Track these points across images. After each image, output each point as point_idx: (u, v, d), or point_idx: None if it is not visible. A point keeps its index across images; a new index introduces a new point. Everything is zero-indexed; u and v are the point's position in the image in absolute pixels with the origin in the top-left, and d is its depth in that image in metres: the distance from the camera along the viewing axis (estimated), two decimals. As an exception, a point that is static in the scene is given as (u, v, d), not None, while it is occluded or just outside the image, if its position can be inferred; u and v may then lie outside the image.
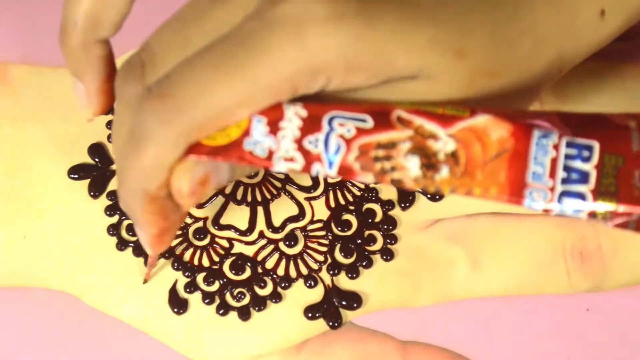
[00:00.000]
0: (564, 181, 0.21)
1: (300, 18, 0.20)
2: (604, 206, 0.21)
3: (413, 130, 0.21)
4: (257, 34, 0.20)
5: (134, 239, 0.30)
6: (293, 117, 0.21)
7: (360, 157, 0.21)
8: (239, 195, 0.31)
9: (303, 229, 0.30)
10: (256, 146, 0.21)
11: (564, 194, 0.21)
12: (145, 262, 0.29)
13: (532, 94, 0.23)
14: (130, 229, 0.30)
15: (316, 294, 0.29)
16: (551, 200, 0.21)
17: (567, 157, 0.21)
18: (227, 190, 0.31)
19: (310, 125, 0.21)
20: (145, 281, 0.29)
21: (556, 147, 0.21)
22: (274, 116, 0.21)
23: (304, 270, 0.30)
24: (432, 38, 0.20)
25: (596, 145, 0.21)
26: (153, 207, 0.22)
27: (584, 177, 0.21)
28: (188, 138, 0.21)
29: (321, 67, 0.20)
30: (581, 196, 0.21)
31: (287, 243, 0.30)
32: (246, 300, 0.29)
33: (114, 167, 0.31)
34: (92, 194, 0.30)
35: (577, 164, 0.21)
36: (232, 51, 0.20)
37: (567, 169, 0.21)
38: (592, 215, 0.21)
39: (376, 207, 0.30)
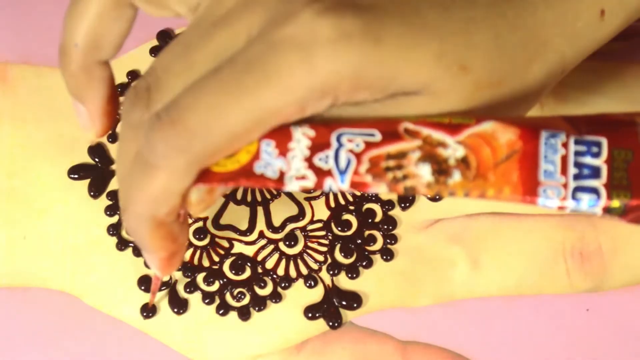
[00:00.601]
0: (576, 177, 0.21)
1: (306, 40, 0.20)
2: (618, 199, 0.21)
3: (421, 140, 0.21)
4: (264, 58, 0.20)
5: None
6: (301, 138, 0.21)
7: (372, 168, 0.21)
8: (239, 195, 0.31)
9: (303, 229, 0.30)
10: (267, 169, 0.21)
11: (578, 189, 0.21)
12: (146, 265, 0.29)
13: (534, 98, 0.23)
14: (130, 229, 0.30)
15: (316, 294, 0.29)
16: (565, 197, 0.21)
17: (577, 153, 0.21)
18: (227, 191, 0.31)
19: (319, 144, 0.21)
20: (149, 305, 0.29)
21: (565, 145, 0.21)
22: (282, 138, 0.21)
23: (304, 270, 0.30)
24: (436, 53, 0.20)
25: (604, 141, 0.21)
26: (161, 232, 0.22)
27: (595, 172, 0.21)
28: (200, 165, 0.21)
29: (329, 88, 0.20)
30: (595, 191, 0.21)
31: (287, 243, 0.30)
32: (246, 300, 0.29)
33: (114, 167, 0.31)
34: (92, 194, 0.30)
35: (587, 159, 0.21)
36: (240, 76, 0.20)
37: (577, 165, 0.21)
38: (607, 210, 0.21)
39: (376, 207, 0.30)
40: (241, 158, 0.21)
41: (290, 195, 0.30)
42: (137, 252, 0.30)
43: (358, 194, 0.30)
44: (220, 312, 0.29)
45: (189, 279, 0.29)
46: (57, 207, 0.30)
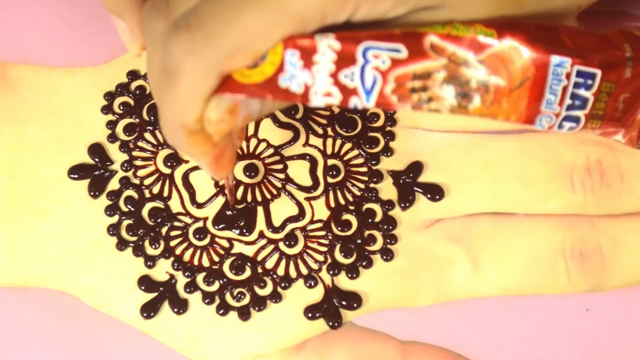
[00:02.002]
0: (569, 107, 0.22)
1: None
2: (590, 127, 0.23)
3: (446, 58, 0.21)
4: None
5: (133, 239, 0.30)
6: (326, 50, 0.21)
7: (397, 89, 0.21)
8: (238, 195, 0.31)
9: (303, 229, 0.30)
10: (292, 82, 0.21)
11: (565, 118, 0.22)
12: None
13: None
14: (130, 229, 0.30)
15: (316, 294, 0.29)
16: (552, 126, 0.22)
17: (575, 85, 0.22)
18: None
19: (344, 58, 0.21)
20: (232, 206, 0.30)
21: (568, 75, 0.22)
22: (306, 50, 0.21)
23: (304, 270, 0.30)
24: None
25: (599, 74, 0.22)
26: (196, 139, 0.22)
27: (583, 104, 0.22)
28: (219, 68, 0.21)
29: None
30: (576, 120, 0.23)
31: (287, 243, 0.30)
32: (246, 300, 0.29)
33: (113, 167, 0.31)
34: (92, 194, 0.30)
35: (582, 91, 0.22)
36: None
37: (573, 96, 0.22)
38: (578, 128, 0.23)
39: (376, 207, 0.30)
40: (266, 69, 0.21)
41: (290, 195, 0.30)
42: (137, 252, 0.30)
43: (358, 193, 0.30)
44: (220, 312, 0.29)
45: (189, 279, 0.29)
46: (57, 207, 0.30)
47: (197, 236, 0.30)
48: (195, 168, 0.31)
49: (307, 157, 0.31)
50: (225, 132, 0.23)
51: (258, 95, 0.21)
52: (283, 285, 0.29)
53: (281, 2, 0.20)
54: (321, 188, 0.31)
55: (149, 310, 0.29)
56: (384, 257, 0.30)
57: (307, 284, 0.29)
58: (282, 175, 0.31)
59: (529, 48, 0.21)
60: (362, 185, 0.31)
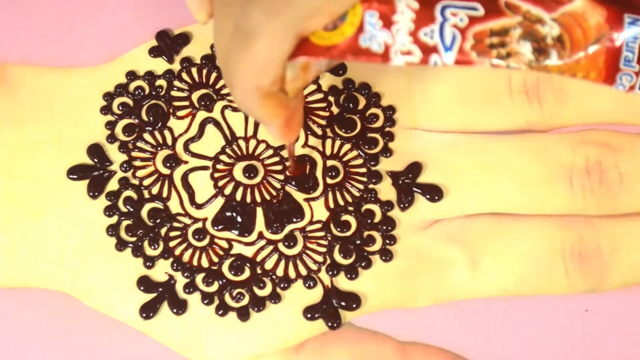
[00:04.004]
0: None
1: None
2: None
3: (521, 16, 0.21)
4: None
5: (133, 239, 0.30)
6: (405, 10, 0.21)
7: (476, 45, 0.21)
8: (238, 196, 0.31)
9: (302, 230, 0.30)
10: (372, 42, 0.21)
11: None
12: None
13: None
14: (129, 229, 0.30)
15: (315, 295, 0.29)
16: (635, 85, 0.22)
17: None
18: (227, 192, 0.31)
19: (423, 17, 0.21)
20: (290, 174, 0.30)
21: None
22: (385, 10, 0.21)
23: (303, 271, 0.30)
24: None
25: None
26: (270, 102, 0.22)
27: None
28: (297, 29, 0.21)
29: None
30: None
31: (287, 244, 0.30)
32: (245, 300, 0.29)
33: (112, 167, 0.31)
34: (91, 194, 0.30)
35: None
36: None
37: None
38: None
39: (375, 208, 0.30)
40: (346, 31, 0.21)
41: (289, 195, 0.30)
42: (136, 253, 0.30)
43: (357, 194, 0.30)
44: (220, 312, 0.29)
45: (188, 280, 0.29)
46: (56, 208, 0.30)
47: (197, 237, 0.30)
48: (195, 169, 0.31)
49: (307, 158, 0.31)
50: (299, 89, 0.23)
51: (339, 57, 0.21)
52: (282, 285, 0.29)
53: None
54: (320, 189, 0.31)
55: (148, 310, 0.29)
56: (383, 258, 0.30)
57: (306, 285, 0.29)
58: (281, 176, 0.31)
59: (601, 7, 0.22)
60: (361, 186, 0.31)
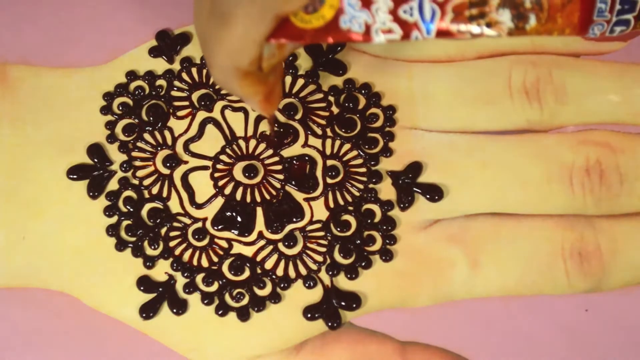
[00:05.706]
0: (618, 13, 0.23)
1: None
2: (637, 27, 0.23)
3: None
4: None
5: (133, 239, 0.30)
6: None
7: (456, 18, 0.22)
8: (238, 196, 0.31)
9: (302, 230, 0.30)
10: (352, 22, 0.22)
11: (616, 23, 0.23)
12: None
13: None
14: (129, 229, 0.30)
15: (315, 295, 0.29)
16: (605, 32, 0.23)
17: None
18: (227, 191, 0.31)
19: None
20: (272, 138, 0.30)
21: None
22: None
23: (303, 271, 0.30)
24: None
25: None
26: (248, 80, 0.23)
27: (632, 6, 0.23)
28: (275, 10, 0.21)
29: None
30: (626, 22, 0.23)
31: (286, 244, 0.30)
32: (245, 300, 0.29)
33: (112, 167, 0.31)
34: (91, 194, 0.30)
35: None
36: None
37: (622, 1, 0.23)
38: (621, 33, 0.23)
39: (375, 208, 0.30)
40: (325, 13, 0.22)
41: (289, 195, 0.30)
42: (136, 253, 0.30)
43: (357, 193, 0.30)
44: (220, 312, 0.29)
45: (188, 280, 0.29)
46: (56, 208, 0.30)
47: (197, 237, 0.30)
48: (195, 169, 0.31)
49: (307, 158, 0.31)
50: (275, 64, 0.23)
51: (320, 40, 0.22)
52: (282, 285, 0.29)
53: None
54: (320, 188, 0.31)
55: (148, 310, 0.29)
56: (383, 258, 0.30)
57: (306, 285, 0.29)
58: (281, 176, 0.31)
59: None
60: (361, 186, 0.31)
